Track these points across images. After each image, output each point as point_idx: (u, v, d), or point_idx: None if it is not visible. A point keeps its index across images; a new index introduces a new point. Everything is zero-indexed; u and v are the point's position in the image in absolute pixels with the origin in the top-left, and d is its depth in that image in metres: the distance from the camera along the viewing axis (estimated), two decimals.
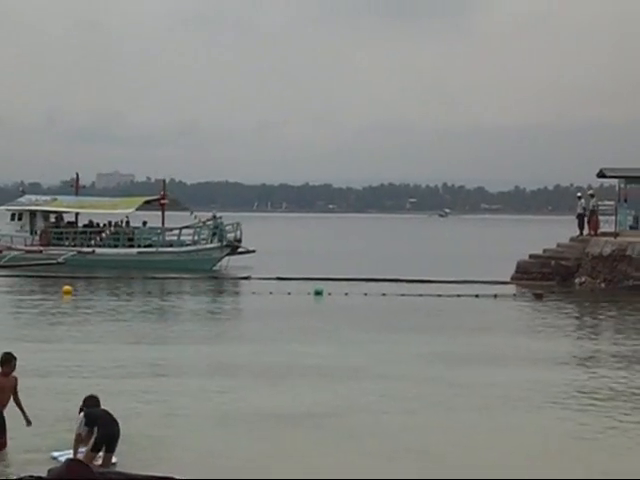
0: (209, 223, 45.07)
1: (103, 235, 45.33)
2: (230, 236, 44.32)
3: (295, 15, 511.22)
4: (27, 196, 51.10)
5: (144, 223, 46.94)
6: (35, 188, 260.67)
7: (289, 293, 32.19)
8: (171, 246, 44.97)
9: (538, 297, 31.35)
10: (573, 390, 15.64)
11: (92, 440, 9.90)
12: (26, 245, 46.17)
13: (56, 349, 19.31)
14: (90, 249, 44.68)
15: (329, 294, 31.75)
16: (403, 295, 31.54)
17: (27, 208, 47.95)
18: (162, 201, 46.79)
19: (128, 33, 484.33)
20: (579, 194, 40.22)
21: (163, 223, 46.64)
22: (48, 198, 50.18)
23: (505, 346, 20.57)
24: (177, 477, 8.49)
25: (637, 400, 14.84)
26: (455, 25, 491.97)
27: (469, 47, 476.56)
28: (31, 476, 5.72)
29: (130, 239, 45.38)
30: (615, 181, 40.58)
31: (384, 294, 31.69)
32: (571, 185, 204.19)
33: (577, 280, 35.06)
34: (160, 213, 46.84)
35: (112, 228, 46.13)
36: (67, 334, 21.69)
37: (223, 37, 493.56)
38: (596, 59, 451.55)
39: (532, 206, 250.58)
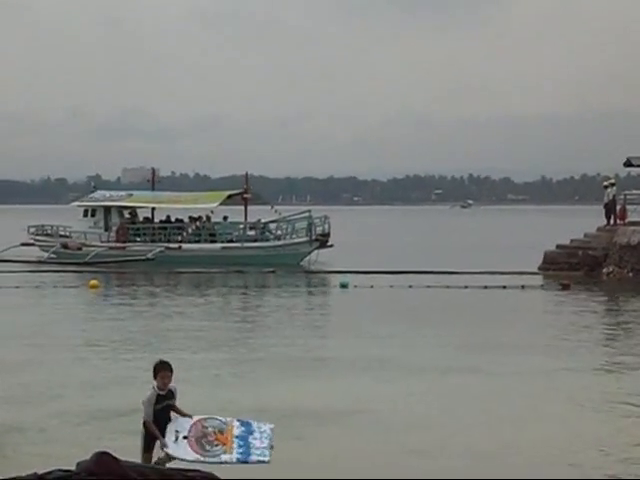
0: (299, 217, 44.19)
1: (189, 230, 44.30)
2: (318, 230, 43.41)
3: (315, 10, 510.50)
4: (100, 191, 50.08)
5: (225, 218, 45.87)
6: (61, 183, 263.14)
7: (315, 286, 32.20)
8: (255, 241, 44.09)
9: (565, 287, 31.16)
10: (600, 380, 15.54)
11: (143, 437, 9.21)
12: (101, 242, 45.18)
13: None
14: (177, 245, 43.73)
15: (355, 286, 31.73)
16: (429, 287, 31.45)
17: (101, 204, 46.97)
18: (245, 195, 45.78)
19: (150, 29, 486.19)
20: (605, 183, 39.93)
21: (246, 218, 45.60)
22: (123, 193, 49.00)
23: (531, 337, 20.46)
24: (217, 475, 8.49)
25: None
26: (479, 17, 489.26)
27: (492, 37, 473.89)
28: (60, 469, 5.74)
29: (212, 234, 44.41)
30: None
31: (410, 286, 31.62)
32: (598, 174, 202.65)
33: (605, 270, 34.81)
34: (234, 207, 45.80)
35: (198, 223, 44.89)
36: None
37: (244, 33, 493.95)
38: (620, 46, 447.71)
39: (559, 196, 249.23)
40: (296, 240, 43.26)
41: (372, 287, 31.47)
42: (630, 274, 33.70)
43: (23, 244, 47.57)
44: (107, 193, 49.47)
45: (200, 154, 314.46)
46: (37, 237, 48.18)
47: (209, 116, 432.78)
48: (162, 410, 9.22)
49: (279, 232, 44.18)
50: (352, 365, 16.65)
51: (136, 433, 11.60)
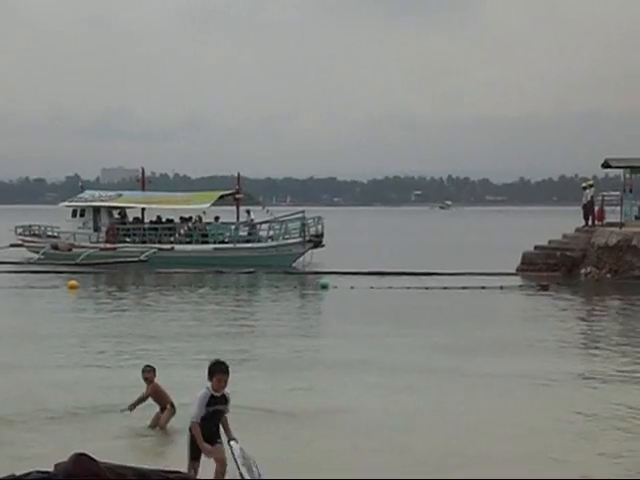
0: (292, 217, 43.86)
1: (181, 231, 43.76)
2: (312, 230, 43.03)
3: (300, 10, 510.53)
4: (88, 192, 49.16)
5: (216, 218, 45.30)
6: (40, 184, 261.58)
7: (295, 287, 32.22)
8: (248, 242, 43.62)
9: (544, 288, 31.33)
10: (580, 378, 15.63)
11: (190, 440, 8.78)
12: (91, 242, 44.58)
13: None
14: (169, 246, 43.19)
15: (335, 287, 31.76)
16: (409, 288, 31.52)
17: (90, 204, 46.27)
18: (237, 196, 45.31)
19: (132, 29, 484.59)
20: (584, 184, 40.19)
21: (238, 218, 45.15)
22: (113, 194, 48.10)
23: (510, 337, 20.55)
24: (184, 471, 8.46)
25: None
26: (457, 19, 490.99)
27: (472, 40, 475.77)
28: (38, 471, 5.72)
29: (204, 235, 43.97)
30: (620, 171, 40.54)
31: (390, 287, 31.68)
32: (576, 176, 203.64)
33: (583, 271, 35.01)
34: (226, 208, 45.43)
35: (190, 224, 44.43)
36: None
37: (227, 32, 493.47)
38: (599, 48, 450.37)
39: (537, 197, 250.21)
40: (289, 241, 42.92)
41: (352, 288, 31.50)
42: (608, 275, 33.92)
43: (12, 245, 46.86)
44: (96, 193, 48.77)
45: (181, 155, 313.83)
46: (25, 238, 47.47)
47: (190, 117, 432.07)
48: (212, 414, 8.76)
49: (271, 233, 43.81)
50: (329, 366, 16.67)
51: (118, 435, 11.66)
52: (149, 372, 12.15)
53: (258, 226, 44.53)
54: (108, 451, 9.41)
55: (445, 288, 31.28)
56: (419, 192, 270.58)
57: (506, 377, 15.67)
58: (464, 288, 31.24)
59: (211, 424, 8.71)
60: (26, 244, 46.88)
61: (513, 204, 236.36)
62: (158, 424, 11.97)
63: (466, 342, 19.67)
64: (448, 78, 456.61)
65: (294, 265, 41.75)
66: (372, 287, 31.66)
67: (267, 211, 45.06)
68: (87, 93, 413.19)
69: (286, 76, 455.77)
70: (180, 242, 43.36)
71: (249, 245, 43.22)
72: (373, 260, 42.24)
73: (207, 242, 43.61)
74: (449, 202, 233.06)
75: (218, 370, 8.79)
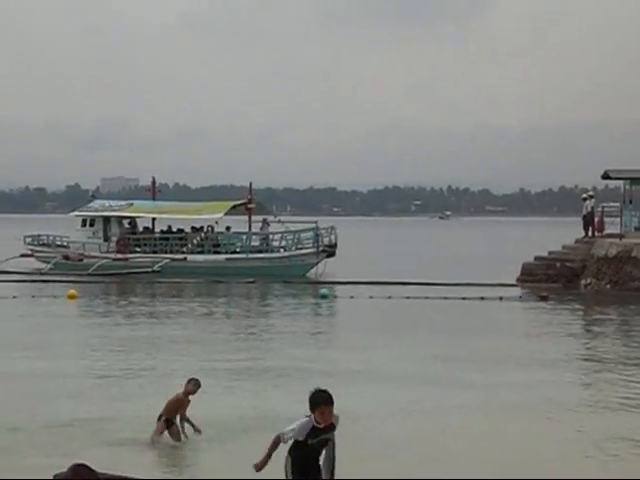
0: (306, 228, 43.69)
1: (194, 242, 43.46)
2: (325, 241, 42.77)
3: (300, 20, 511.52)
4: (98, 201, 48.94)
5: (227, 228, 45.01)
6: (40, 193, 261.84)
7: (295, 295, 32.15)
8: (260, 252, 43.33)
9: (543, 299, 31.31)
10: (579, 393, 15.61)
11: (288, 465, 7.84)
12: (101, 252, 44.13)
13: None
14: (182, 256, 42.88)
15: (335, 297, 31.75)
16: (409, 298, 31.51)
17: (100, 214, 45.84)
18: (249, 205, 44.90)
19: (131, 40, 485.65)
20: (584, 195, 40.23)
21: (250, 228, 44.76)
22: (123, 203, 47.77)
23: (510, 348, 20.52)
24: None
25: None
26: (460, 29, 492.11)
27: (474, 50, 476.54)
28: None
29: (216, 245, 43.71)
30: (620, 182, 40.57)
31: (390, 297, 31.67)
32: (576, 187, 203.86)
33: (582, 282, 35.00)
34: (237, 217, 45.05)
35: (203, 234, 44.16)
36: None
37: (228, 43, 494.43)
38: (601, 60, 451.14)
39: (537, 208, 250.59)
40: (303, 251, 42.69)
41: (352, 298, 31.49)
42: (608, 286, 33.90)
43: (23, 255, 46.46)
44: (106, 202, 48.47)
45: (180, 164, 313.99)
46: (35, 248, 47.14)
47: (190, 126, 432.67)
48: (318, 444, 7.85)
49: (283, 243, 43.60)
50: (326, 374, 16.65)
51: (117, 445, 11.63)
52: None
53: (271, 236, 44.34)
54: (107, 461, 9.40)
55: (445, 298, 31.26)
56: (419, 202, 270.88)
57: (503, 389, 15.64)
58: (464, 299, 31.22)
59: (313, 455, 7.86)
60: (36, 254, 46.50)
61: (513, 215, 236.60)
62: (173, 436, 11.83)
63: (464, 353, 19.64)
64: (449, 88, 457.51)
65: (307, 275, 41.60)
66: (371, 297, 31.65)
67: (279, 221, 44.76)
68: (86, 103, 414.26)
69: (286, 86, 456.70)
70: (192, 252, 43.09)
71: (262, 255, 42.96)
72: (375, 270, 42.28)
73: (219, 252, 43.33)
74: (448, 212, 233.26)
75: (321, 401, 7.78)
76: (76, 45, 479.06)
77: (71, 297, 31.42)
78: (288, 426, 7.87)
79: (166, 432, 11.80)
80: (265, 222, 45.60)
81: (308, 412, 7.80)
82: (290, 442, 7.84)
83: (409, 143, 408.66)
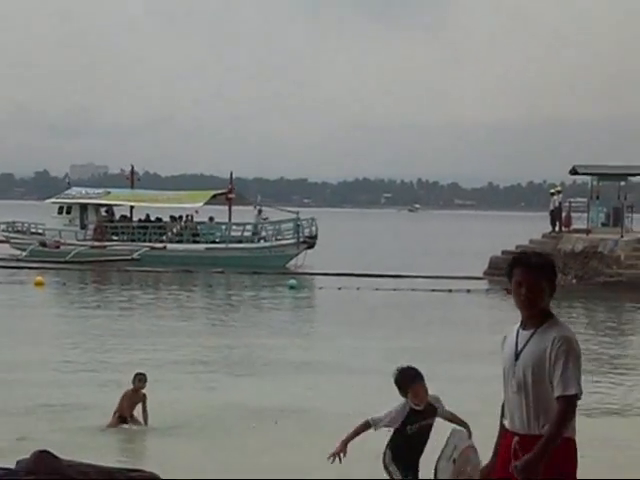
0: (286, 219, 43.62)
1: (174, 230, 43.24)
2: (306, 232, 42.72)
3: (272, 9, 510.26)
4: (75, 188, 48.47)
5: (211, 219, 44.77)
6: (8, 178, 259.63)
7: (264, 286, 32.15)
8: (240, 242, 43.13)
9: (510, 292, 31.24)
10: None
11: (389, 460, 6.89)
12: (77, 240, 43.73)
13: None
14: (162, 245, 42.61)
15: (304, 288, 31.80)
16: (377, 290, 31.63)
17: (77, 201, 45.51)
18: (229, 195, 44.77)
19: (102, 27, 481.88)
20: (552, 190, 40.53)
21: (230, 218, 44.56)
22: (100, 191, 47.31)
23: (476, 342, 20.66)
24: (159, 475, 8.42)
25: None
26: (427, 22, 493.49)
27: (443, 44, 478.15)
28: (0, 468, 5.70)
29: (195, 234, 43.56)
30: (587, 178, 40.92)
31: (358, 288, 31.77)
32: (544, 182, 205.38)
33: None
34: (217, 207, 44.95)
35: (182, 223, 43.95)
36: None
37: (198, 32, 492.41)
38: (568, 57, 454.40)
39: (505, 202, 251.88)
40: (283, 242, 42.65)
41: (321, 289, 31.55)
42: (574, 281, 34.22)
43: None
44: (83, 190, 48.01)
45: (150, 153, 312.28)
46: (10, 234, 46.62)
47: (159, 115, 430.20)
48: (419, 433, 7.00)
49: (263, 233, 43.51)
50: (289, 366, 16.69)
51: (81, 432, 11.58)
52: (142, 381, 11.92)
53: (252, 227, 44.17)
54: (71, 448, 9.37)
55: (413, 290, 31.41)
56: (389, 195, 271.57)
57: (469, 382, 15.75)
58: (433, 291, 31.39)
59: (417, 445, 7.03)
60: (11, 241, 46.03)
61: (482, 209, 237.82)
62: (134, 422, 11.85)
63: (431, 346, 19.74)
64: (419, 83, 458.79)
65: (287, 266, 41.59)
66: (340, 288, 31.73)
67: (259, 211, 44.51)
68: (55, 89, 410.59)
69: (256, 76, 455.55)
70: (170, 241, 42.95)
71: (242, 245, 42.85)
72: (346, 261, 42.33)
73: (198, 242, 43.19)
74: (417, 205, 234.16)
75: (410, 379, 7.11)
76: (45, 30, 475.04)
77: (38, 284, 31.18)
78: (379, 414, 7.00)
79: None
80: (260, 211, 45.23)
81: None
82: (387, 432, 7.01)
83: (380, 137, 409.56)
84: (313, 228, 43.19)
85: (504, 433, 5.15)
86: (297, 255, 42.24)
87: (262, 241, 43.16)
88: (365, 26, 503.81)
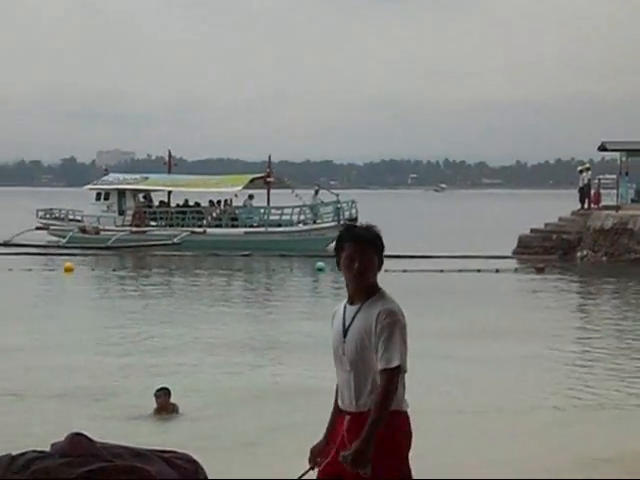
0: (327, 202, 43.20)
1: (214, 215, 43.11)
2: (346, 214, 42.30)
3: None
4: (113, 174, 48.58)
5: (250, 196, 44.25)
6: (36, 165, 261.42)
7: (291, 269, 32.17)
8: (280, 225, 42.77)
9: (540, 271, 31.38)
10: (572, 364, 15.68)
11: None
12: (116, 226, 43.65)
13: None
14: (202, 229, 42.47)
15: (331, 270, 31.75)
16: (405, 271, 31.53)
17: (115, 187, 45.53)
18: (268, 179, 44.57)
19: (126, 11, 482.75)
20: (580, 168, 40.22)
21: (268, 202, 44.34)
22: (138, 177, 47.08)
23: (507, 321, 20.58)
24: (192, 456, 8.47)
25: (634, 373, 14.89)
26: (456, 1, 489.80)
27: (470, 22, 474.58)
28: (34, 450, 5.73)
29: (234, 219, 43.44)
30: (616, 154, 40.56)
31: (386, 270, 31.57)
32: (572, 159, 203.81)
33: (579, 254, 35.08)
34: (255, 191, 44.53)
35: (222, 207, 43.75)
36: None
37: (222, 15, 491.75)
38: (596, 33, 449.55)
39: (533, 180, 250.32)
40: (323, 225, 42.37)
41: None
42: (604, 258, 33.99)
43: (38, 228, 45.81)
44: (121, 176, 47.97)
45: (176, 137, 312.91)
46: (49, 221, 46.66)
47: (186, 99, 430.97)
48: None
49: (302, 217, 43.17)
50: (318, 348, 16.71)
51: (116, 416, 11.67)
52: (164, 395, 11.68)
53: (291, 210, 43.33)
54: (105, 431, 9.43)
55: (441, 271, 31.30)
56: (415, 175, 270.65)
57: (501, 362, 15.69)
58: (460, 271, 31.27)
59: None
60: (51, 227, 45.96)
61: (509, 187, 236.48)
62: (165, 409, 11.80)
63: (461, 326, 19.68)
64: (445, 60, 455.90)
65: (327, 249, 41.31)
66: None
67: (296, 195, 44.15)
68: (81, 75, 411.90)
69: (280, 58, 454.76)
70: (209, 226, 42.73)
71: (281, 229, 42.47)
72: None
73: (237, 226, 43.07)
74: (443, 185, 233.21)
75: None
76: (72, 15, 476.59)
77: (68, 270, 31.35)
78: None
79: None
80: (316, 192, 44.59)
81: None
82: None
83: (405, 116, 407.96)
84: (353, 210, 42.81)
85: (338, 416, 5.05)
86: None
87: (301, 224, 42.96)
88: (388, 4, 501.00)
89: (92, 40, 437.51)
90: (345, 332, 5.00)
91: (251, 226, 43.06)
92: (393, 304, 5.11)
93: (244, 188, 44.00)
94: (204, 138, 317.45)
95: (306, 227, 42.52)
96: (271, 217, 43.47)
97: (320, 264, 32.85)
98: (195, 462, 5.60)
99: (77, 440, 6.13)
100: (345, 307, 5.09)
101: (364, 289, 5.07)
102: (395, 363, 4.82)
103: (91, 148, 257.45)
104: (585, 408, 12.46)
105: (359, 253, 5.09)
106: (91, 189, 46.95)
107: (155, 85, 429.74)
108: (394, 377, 4.81)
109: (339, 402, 5.06)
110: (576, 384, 13.95)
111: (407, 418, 4.97)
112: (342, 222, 41.67)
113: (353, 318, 5.00)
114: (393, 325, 4.92)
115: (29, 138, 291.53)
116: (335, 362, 5.06)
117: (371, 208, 42.96)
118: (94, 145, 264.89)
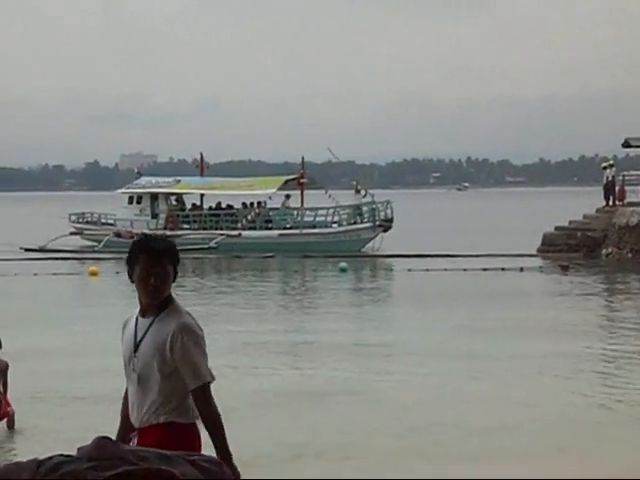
0: (362, 202, 42.94)
1: (249, 217, 42.94)
2: (381, 215, 42.17)
3: None
4: (145, 178, 48.51)
5: (287, 196, 43.77)
6: (59, 170, 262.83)
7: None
8: (314, 227, 42.66)
9: (564, 269, 31.19)
10: (600, 360, 15.55)
11: None
12: (149, 229, 42.17)
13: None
14: (236, 232, 42.38)
15: (354, 270, 31.76)
16: (428, 270, 31.44)
17: (148, 191, 45.39)
18: (301, 180, 44.34)
19: (146, 14, 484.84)
20: (604, 164, 39.95)
21: (302, 203, 44.12)
22: (170, 180, 46.86)
23: (532, 319, 20.46)
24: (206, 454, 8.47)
25: None
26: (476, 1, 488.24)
27: (492, 19, 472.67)
28: (61, 454, 5.74)
29: (268, 221, 43.32)
30: None
31: (409, 269, 31.64)
32: (596, 156, 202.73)
33: (604, 251, 34.84)
34: (289, 192, 43.95)
35: (257, 210, 43.61)
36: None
37: (244, 16, 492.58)
38: (620, 27, 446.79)
39: (557, 178, 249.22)
40: (359, 225, 42.16)
41: (371, 270, 31.49)
42: (629, 255, 33.74)
43: (72, 233, 45.74)
44: (153, 179, 47.88)
45: (198, 140, 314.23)
46: (82, 226, 46.45)
47: (207, 100, 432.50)
48: None
49: (336, 218, 42.77)
50: (347, 349, 16.67)
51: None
52: None
53: (326, 211, 43.03)
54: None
55: (464, 270, 31.19)
56: (438, 174, 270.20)
57: (530, 359, 15.59)
58: (484, 270, 31.13)
59: None
60: (85, 232, 45.86)
61: (533, 185, 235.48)
62: None
63: (486, 324, 19.59)
64: (467, 58, 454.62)
65: (363, 250, 41.00)
66: (392, 269, 31.63)
67: (329, 196, 43.76)
68: (102, 79, 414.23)
69: (302, 59, 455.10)
70: (243, 229, 42.62)
71: (315, 231, 42.23)
72: (392, 242, 42.16)
73: (271, 228, 42.96)
74: (466, 184, 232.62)
75: None
76: (93, 20, 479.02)
77: (93, 274, 31.45)
78: None
79: None
80: (358, 191, 44.19)
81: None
82: None
83: (427, 115, 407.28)
84: (389, 211, 42.48)
85: (128, 428, 5.03)
86: (373, 239, 41.47)
87: (336, 225, 42.66)
88: (410, 3, 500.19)
89: (113, 44, 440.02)
90: (137, 346, 4.90)
91: (285, 228, 42.95)
92: (187, 317, 4.87)
93: (278, 190, 43.60)
94: (226, 140, 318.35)
95: (341, 228, 42.19)
96: (305, 219, 43.31)
97: (343, 264, 32.85)
98: (221, 464, 5.57)
99: (103, 443, 6.12)
100: (137, 319, 4.94)
101: (159, 302, 4.88)
102: (205, 379, 4.83)
103: (113, 152, 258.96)
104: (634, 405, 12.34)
105: (155, 266, 4.84)
106: (124, 193, 46.70)
107: (176, 88, 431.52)
108: (207, 392, 4.83)
109: (131, 416, 5.04)
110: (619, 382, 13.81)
111: (197, 430, 4.93)
112: (377, 223, 41.54)
113: (145, 332, 4.88)
114: (192, 341, 4.80)
115: (52, 143, 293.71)
116: (125, 374, 5.02)
117: (396, 209, 42.62)
118: (116, 149, 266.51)
